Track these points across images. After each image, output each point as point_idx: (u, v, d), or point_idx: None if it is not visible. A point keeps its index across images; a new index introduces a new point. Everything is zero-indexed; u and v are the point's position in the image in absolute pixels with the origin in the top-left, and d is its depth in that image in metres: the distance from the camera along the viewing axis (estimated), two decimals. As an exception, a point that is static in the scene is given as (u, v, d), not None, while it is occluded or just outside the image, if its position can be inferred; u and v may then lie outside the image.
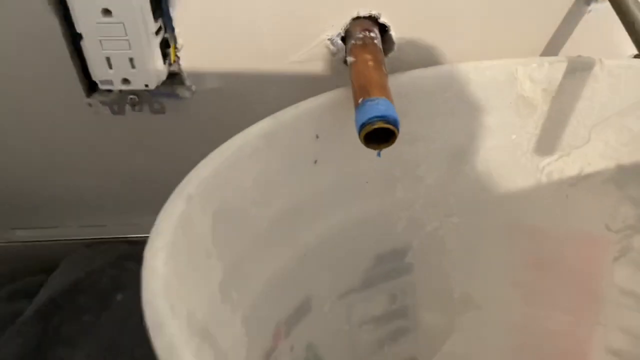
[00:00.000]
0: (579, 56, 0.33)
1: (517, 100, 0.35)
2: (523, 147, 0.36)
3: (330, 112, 0.32)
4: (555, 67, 0.33)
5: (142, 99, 0.34)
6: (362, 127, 0.29)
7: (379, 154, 0.33)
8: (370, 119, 0.29)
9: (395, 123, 0.29)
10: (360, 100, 0.30)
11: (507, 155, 0.37)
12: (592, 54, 0.33)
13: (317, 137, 0.33)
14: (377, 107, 0.29)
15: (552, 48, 0.35)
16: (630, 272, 0.36)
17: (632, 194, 0.35)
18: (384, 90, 0.30)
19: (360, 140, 0.29)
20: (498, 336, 0.43)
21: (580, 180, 0.36)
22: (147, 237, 0.40)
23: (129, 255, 0.46)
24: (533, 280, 0.40)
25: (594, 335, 0.40)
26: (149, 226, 0.46)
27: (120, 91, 0.34)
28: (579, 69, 0.33)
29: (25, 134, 0.39)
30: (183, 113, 0.36)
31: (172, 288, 0.20)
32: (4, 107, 0.36)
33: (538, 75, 0.34)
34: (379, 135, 0.29)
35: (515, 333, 0.42)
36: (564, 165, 0.36)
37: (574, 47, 0.35)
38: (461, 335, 0.43)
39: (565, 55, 0.34)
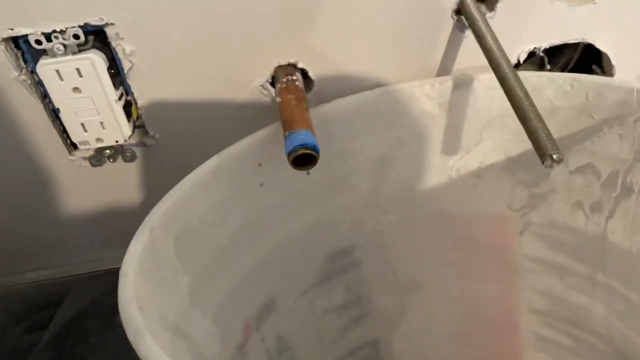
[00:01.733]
0: (461, 74, 0.41)
1: (420, 114, 0.42)
2: (433, 151, 0.44)
3: (269, 144, 0.40)
4: (444, 85, 0.41)
5: (115, 151, 0.42)
6: (289, 154, 0.36)
7: (308, 173, 0.41)
8: (294, 147, 0.36)
9: (314, 148, 0.36)
10: (286, 133, 0.37)
11: (421, 159, 0.44)
12: (473, 70, 0.41)
13: (260, 164, 0.40)
14: (299, 137, 0.37)
15: (444, 68, 0.43)
16: (534, 241, 0.44)
17: (522, 178, 0.42)
18: (304, 123, 0.38)
19: (290, 164, 0.37)
20: (442, 309, 0.50)
21: (482, 172, 0.43)
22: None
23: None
24: (461, 258, 0.48)
25: (518, 299, 0.47)
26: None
27: (97, 148, 0.42)
28: (463, 84, 0.41)
29: (22, 190, 0.46)
30: (151, 158, 0.44)
31: (141, 296, 0.27)
32: (3, 171, 0.44)
33: (432, 93, 0.42)
34: (305, 158, 0.37)
35: (455, 304, 0.50)
36: (467, 161, 0.43)
37: (460, 65, 0.43)
38: (412, 314, 0.51)
39: (451, 75, 0.41)
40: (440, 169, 0.44)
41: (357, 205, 0.46)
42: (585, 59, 0.46)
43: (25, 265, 0.55)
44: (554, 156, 0.30)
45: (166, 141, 0.44)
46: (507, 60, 0.35)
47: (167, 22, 0.37)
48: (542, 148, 0.30)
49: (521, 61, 0.44)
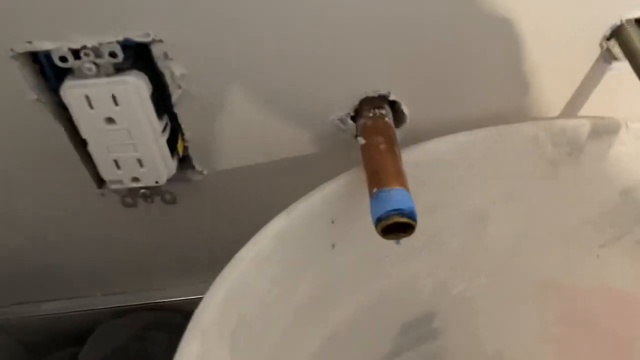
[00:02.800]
0: (603, 118, 0.32)
1: (541, 164, 0.33)
2: (547, 211, 0.35)
3: (344, 196, 0.31)
4: (579, 130, 0.32)
5: (153, 191, 0.34)
6: (378, 221, 0.28)
7: (398, 242, 0.32)
8: (386, 212, 0.28)
9: (412, 216, 0.28)
10: (374, 191, 0.28)
11: (533, 218, 0.35)
12: (614, 115, 0.31)
13: (333, 222, 0.32)
14: (393, 199, 0.28)
15: (578, 108, 0.34)
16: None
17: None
18: (399, 178, 0.29)
19: (378, 233, 0.28)
20: (534, 392, 0.41)
21: (610, 241, 0.34)
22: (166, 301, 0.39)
23: (151, 323, 0.46)
24: (564, 336, 0.39)
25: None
26: (168, 290, 0.45)
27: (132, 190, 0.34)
28: (604, 131, 0.31)
29: (46, 221, 0.39)
30: (195, 198, 0.36)
31: None
32: (29, 204, 0.36)
33: (561, 139, 0.32)
34: (398, 226, 0.28)
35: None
36: (593, 228, 0.34)
37: (594, 107, 0.33)
38: (498, 393, 0.42)
39: (589, 117, 0.32)
40: (553, 233, 0.35)
41: (444, 267, 0.37)
42: None
43: (42, 295, 0.48)
44: None
45: (215, 178, 0.35)
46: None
47: (228, 41, 0.28)
48: None
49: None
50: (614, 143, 0.31)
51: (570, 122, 0.32)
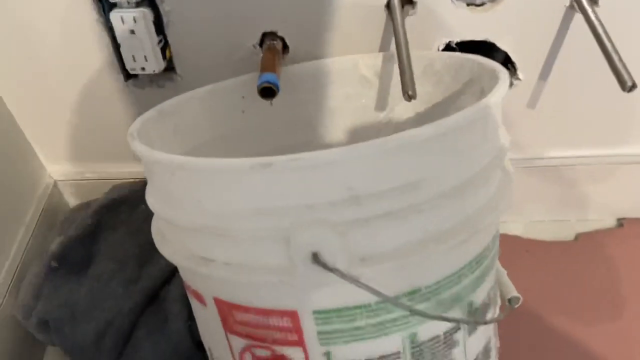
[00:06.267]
0: (389, 52, 0.59)
1: (360, 78, 0.60)
2: (369, 107, 0.61)
3: (251, 83, 0.59)
4: (378, 58, 0.59)
5: (153, 81, 0.63)
6: (258, 87, 0.55)
7: (271, 103, 0.59)
8: (261, 82, 0.55)
9: (275, 84, 0.55)
10: (259, 75, 0.56)
11: (360, 113, 0.62)
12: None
13: (243, 97, 0.59)
14: (265, 76, 0.56)
15: (381, 47, 0.61)
16: None
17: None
18: (273, 69, 0.57)
19: (258, 94, 0.56)
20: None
21: (399, 125, 0.60)
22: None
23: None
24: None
25: None
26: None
27: (142, 76, 0.62)
28: (391, 58, 0.58)
29: (82, 107, 0.68)
30: (175, 90, 0.64)
31: (142, 137, 0.46)
32: (72, 94, 0.66)
33: (369, 63, 0.59)
34: (268, 92, 0.56)
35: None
36: (391, 116, 0.61)
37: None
38: None
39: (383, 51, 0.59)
40: (375, 122, 0.62)
41: (320, 140, 0.64)
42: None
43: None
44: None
45: (187, 79, 0.64)
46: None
47: (193, -7, 0.57)
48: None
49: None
50: (395, 65, 0.58)
51: (374, 55, 0.59)
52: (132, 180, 0.75)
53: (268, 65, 0.57)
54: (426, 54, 0.56)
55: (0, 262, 0.65)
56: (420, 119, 0.59)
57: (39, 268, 0.66)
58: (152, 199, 0.44)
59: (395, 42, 0.53)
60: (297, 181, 0.34)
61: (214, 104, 0.57)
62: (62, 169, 0.76)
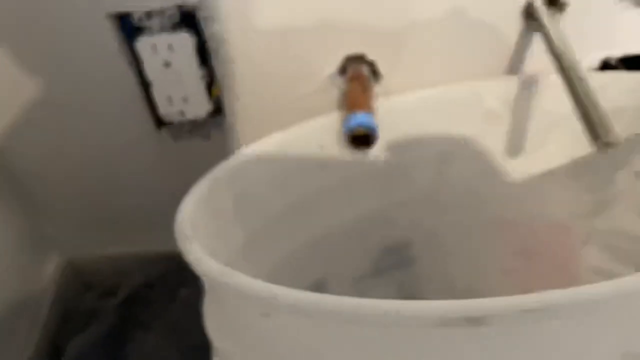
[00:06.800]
0: (528, 74, 0.41)
1: (485, 113, 0.43)
2: (495, 152, 0.44)
3: (331, 129, 0.42)
4: (510, 85, 0.42)
5: (194, 130, 0.46)
6: (346, 133, 0.38)
7: (365, 154, 0.42)
8: (352, 126, 0.38)
9: (371, 128, 0.38)
10: (346, 115, 0.39)
11: (484, 159, 0.44)
12: (541, 71, 0.41)
13: (322, 147, 0.42)
14: (358, 117, 0.39)
15: (511, 68, 0.44)
16: (598, 252, 0.42)
17: (587, 183, 0.41)
18: (365, 107, 0.40)
19: (348, 144, 0.39)
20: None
21: (545, 177, 0.43)
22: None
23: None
24: (521, 267, 0.46)
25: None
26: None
27: (179, 123, 0.46)
28: (529, 85, 0.41)
29: (111, 165, 0.51)
30: (224, 140, 0.48)
31: (197, 225, 0.30)
32: (95, 141, 0.49)
33: (498, 92, 0.42)
34: (364, 140, 0.39)
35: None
36: (531, 164, 0.43)
37: (528, 66, 0.43)
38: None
39: (517, 75, 0.42)
40: (502, 172, 0.44)
41: (416, 201, 0.46)
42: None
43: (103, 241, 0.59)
44: (606, 139, 0.30)
45: (240, 127, 0.47)
46: (573, 60, 0.35)
47: (253, 6, 0.41)
48: (595, 130, 0.30)
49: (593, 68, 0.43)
50: (536, 92, 0.41)
51: (503, 78, 0.42)
52: (167, 253, 0.58)
53: (358, 100, 0.40)
54: (594, 74, 0.39)
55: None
56: (579, 171, 0.41)
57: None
58: (214, 325, 0.27)
59: (555, 63, 0.36)
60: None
61: (283, 161, 0.41)
62: (76, 243, 0.59)
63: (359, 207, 0.45)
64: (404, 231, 0.47)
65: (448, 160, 0.45)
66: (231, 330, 0.26)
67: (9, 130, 0.48)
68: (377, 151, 0.43)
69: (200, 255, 0.25)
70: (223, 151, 0.45)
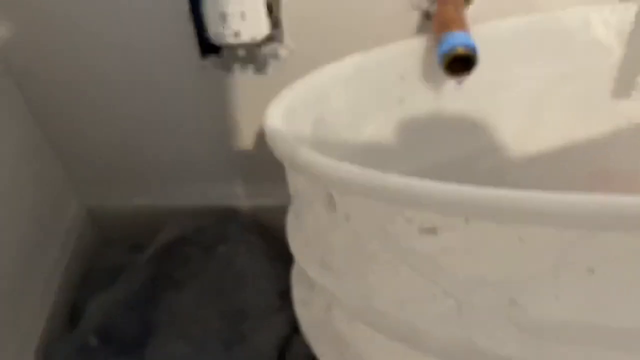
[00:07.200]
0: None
1: (592, 45, 0.37)
2: (602, 92, 0.38)
3: (414, 57, 0.36)
4: (629, 11, 0.35)
5: (246, 58, 0.40)
6: (442, 57, 0.32)
7: (459, 83, 0.36)
8: (450, 47, 0.32)
9: (472, 48, 0.32)
10: (440, 36, 0.33)
11: (586, 101, 0.38)
12: None
13: (402, 78, 0.36)
14: (455, 37, 0.32)
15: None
16: None
17: None
18: (463, 26, 0.33)
19: (444, 69, 0.32)
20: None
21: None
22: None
23: (231, 217, 0.50)
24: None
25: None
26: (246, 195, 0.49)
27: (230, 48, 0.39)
28: (654, 9, 0.35)
29: (142, 102, 0.45)
30: (281, 72, 0.41)
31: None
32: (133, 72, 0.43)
33: (611, 20, 0.36)
34: (459, 65, 0.33)
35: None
36: (643, 106, 0.37)
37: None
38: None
39: (638, -2, 0.36)
40: (607, 115, 0.38)
41: (501, 149, 0.40)
42: None
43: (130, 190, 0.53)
44: None
45: (301, 54, 0.40)
46: None
47: None
48: None
49: None
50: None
51: (621, 4, 0.36)
52: (202, 208, 0.52)
53: (453, 20, 0.34)
54: None
55: (11, 334, 0.42)
56: None
57: (70, 346, 0.43)
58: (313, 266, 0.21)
59: None
60: None
61: (359, 88, 0.34)
62: (100, 191, 0.53)
63: (438, 153, 0.39)
64: (485, 183, 0.41)
65: (543, 103, 0.39)
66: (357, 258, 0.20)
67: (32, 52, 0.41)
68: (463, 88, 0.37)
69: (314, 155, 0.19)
70: (278, 89, 0.38)
